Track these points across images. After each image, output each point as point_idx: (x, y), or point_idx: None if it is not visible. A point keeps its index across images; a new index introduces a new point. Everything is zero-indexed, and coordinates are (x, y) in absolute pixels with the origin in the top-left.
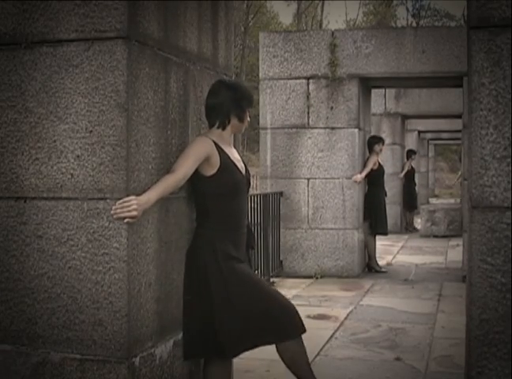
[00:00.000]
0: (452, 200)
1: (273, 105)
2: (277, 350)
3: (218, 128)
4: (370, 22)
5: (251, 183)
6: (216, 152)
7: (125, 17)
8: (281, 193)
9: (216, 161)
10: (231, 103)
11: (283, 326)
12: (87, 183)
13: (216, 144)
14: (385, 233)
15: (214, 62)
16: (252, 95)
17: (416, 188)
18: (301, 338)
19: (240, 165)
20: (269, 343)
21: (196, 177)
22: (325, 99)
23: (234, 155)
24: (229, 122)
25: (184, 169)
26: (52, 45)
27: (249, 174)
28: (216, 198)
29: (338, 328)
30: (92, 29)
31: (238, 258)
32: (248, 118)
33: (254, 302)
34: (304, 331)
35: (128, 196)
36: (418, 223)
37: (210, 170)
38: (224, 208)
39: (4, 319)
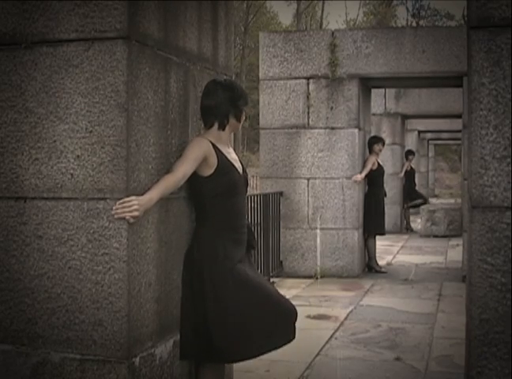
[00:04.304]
0: (452, 200)
1: (273, 105)
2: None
3: (218, 129)
4: (370, 22)
5: (249, 183)
6: (214, 153)
7: (125, 17)
8: (281, 193)
9: (213, 161)
10: (229, 103)
11: (274, 336)
12: (87, 183)
13: (213, 144)
14: (382, 233)
15: (214, 62)
16: (247, 94)
17: (416, 188)
18: None
19: (238, 165)
20: (263, 353)
21: (194, 178)
22: (325, 99)
23: (231, 155)
24: (228, 122)
25: (183, 169)
26: (52, 45)
27: (246, 174)
28: (214, 198)
29: (338, 328)
30: (92, 29)
31: (237, 258)
32: (243, 117)
33: (251, 308)
34: (293, 338)
35: (128, 196)
36: (418, 222)
37: (207, 171)
38: (222, 208)
39: (4, 319)
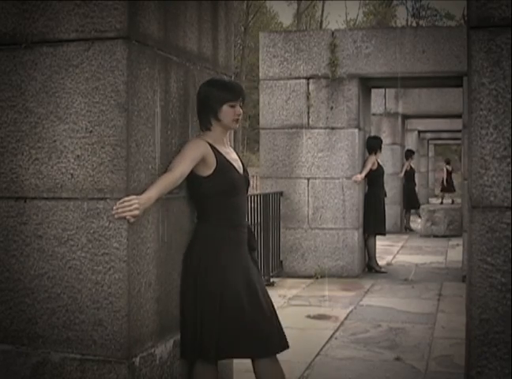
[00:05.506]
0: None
1: (273, 105)
2: (254, 368)
3: (206, 130)
4: (370, 22)
5: (250, 183)
6: (212, 153)
7: (125, 17)
8: (281, 193)
9: (212, 162)
10: (204, 101)
11: (266, 343)
12: (87, 183)
13: (211, 145)
14: (383, 233)
15: (214, 62)
16: (237, 87)
17: (416, 188)
18: (276, 357)
19: (238, 164)
20: (252, 357)
21: (193, 177)
22: (325, 99)
23: (230, 155)
24: (210, 122)
25: (181, 168)
26: (52, 45)
27: (247, 173)
28: (214, 197)
29: (338, 328)
30: (92, 29)
31: (236, 259)
32: (239, 112)
33: (242, 311)
34: (287, 347)
35: (128, 196)
36: (418, 222)
37: (206, 171)
38: (221, 207)
39: (4, 319)
